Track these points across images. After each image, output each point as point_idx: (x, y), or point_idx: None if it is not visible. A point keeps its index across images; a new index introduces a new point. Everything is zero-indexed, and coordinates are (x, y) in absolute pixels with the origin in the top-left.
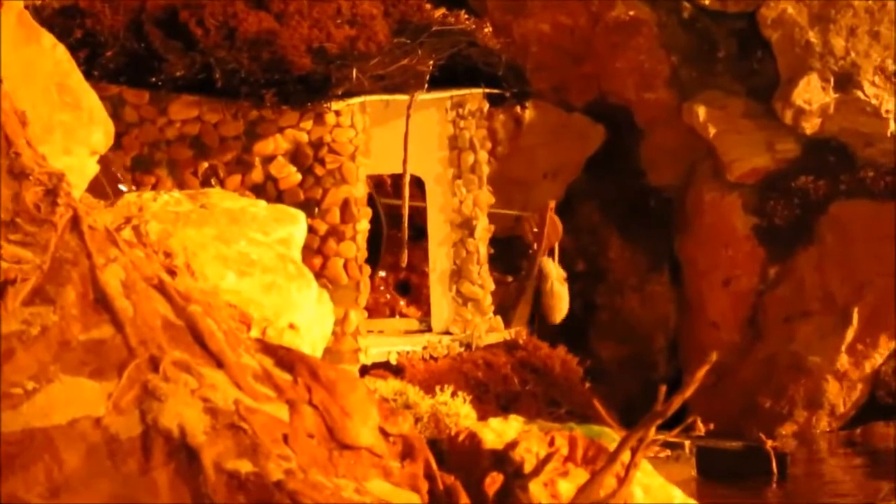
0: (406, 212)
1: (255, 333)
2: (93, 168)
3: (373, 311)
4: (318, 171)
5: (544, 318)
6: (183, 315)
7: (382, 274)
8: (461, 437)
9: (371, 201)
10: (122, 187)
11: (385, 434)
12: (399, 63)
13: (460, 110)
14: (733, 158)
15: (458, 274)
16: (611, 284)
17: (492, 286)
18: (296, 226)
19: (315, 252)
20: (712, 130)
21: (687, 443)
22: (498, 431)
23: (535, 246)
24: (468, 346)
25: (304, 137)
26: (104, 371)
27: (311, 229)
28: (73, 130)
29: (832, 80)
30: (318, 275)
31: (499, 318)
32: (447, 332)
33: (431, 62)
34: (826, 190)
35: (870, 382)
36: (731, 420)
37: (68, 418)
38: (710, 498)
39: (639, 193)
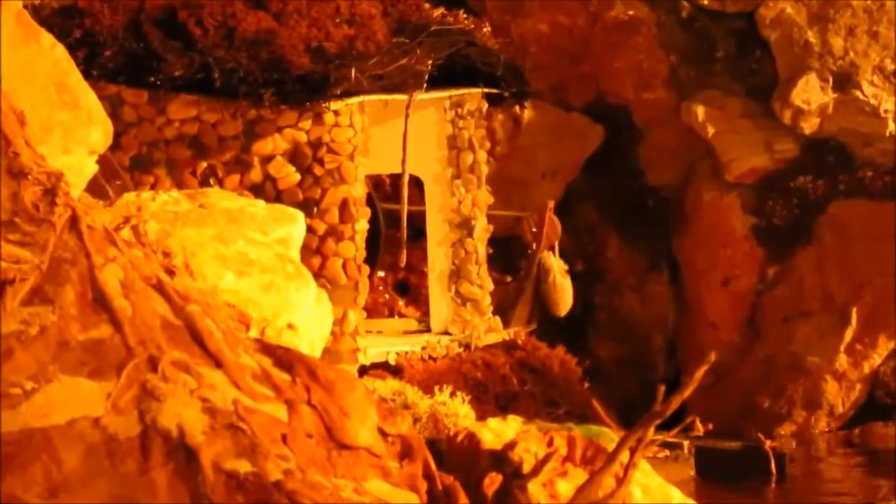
0: (405, 212)
1: (253, 333)
2: (91, 167)
3: (372, 311)
4: (317, 170)
5: (550, 313)
6: (182, 315)
7: (381, 274)
8: (460, 438)
9: (370, 201)
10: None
11: (384, 434)
12: (398, 63)
13: (459, 110)
14: (732, 158)
15: (456, 274)
16: (609, 284)
17: (491, 286)
18: (294, 226)
19: (314, 252)
20: (711, 130)
21: (686, 443)
22: (497, 431)
23: (534, 246)
24: (467, 347)
25: (303, 137)
26: (103, 371)
27: (309, 229)
28: (72, 130)
29: (831, 79)
30: (317, 275)
31: (497, 318)
32: (446, 333)
33: (430, 62)
34: (825, 190)
35: (868, 382)
36: (730, 420)
37: (67, 418)
38: (708, 498)
39: (637, 193)
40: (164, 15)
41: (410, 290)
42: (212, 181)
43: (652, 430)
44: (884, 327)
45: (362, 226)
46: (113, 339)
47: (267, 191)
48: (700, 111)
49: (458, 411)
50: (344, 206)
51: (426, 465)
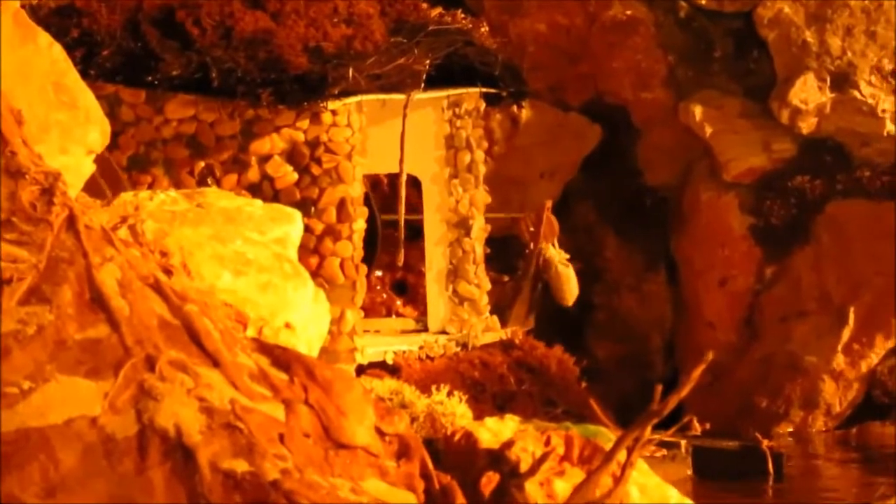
0: (402, 211)
1: (251, 333)
2: (89, 167)
3: (369, 310)
4: (315, 170)
5: (559, 304)
6: (179, 314)
7: (379, 273)
8: (457, 437)
9: (367, 201)
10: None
11: (381, 433)
12: (396, 62)
13: (457, 110)
14: (730, 158)
15: (454, 273)
16: (607, 284)
17: (488, 286)
18: (292, 225)
19: (311, 251)
20: (709, 130)
21: (683, 442)
22: (494, 431)
23: (532, 245)
24: (464, 346)
25: (301, 137)
26: (100, 370)
27: (307, 228)
28: (70, 129)
29: (828, 79)
30: (315, 274)
31: (495, 317)
32: (443, 332)
33: (428, 61)
34: (822, 189)
35: (866, 382)
36: (728, 420)
37: (64, 418)
38: (706, 497)
39: (635, 193)
40: (162, 14)
41: (408, 289)
42: (209, 181)
43: (649, 429)
44: (881, 327)
45: (360, 225)
46: (110, 338)
47: (264, 190)
48: (698, 111)
49: (455, 411)
50: (341, 205)
51: (423, 465)
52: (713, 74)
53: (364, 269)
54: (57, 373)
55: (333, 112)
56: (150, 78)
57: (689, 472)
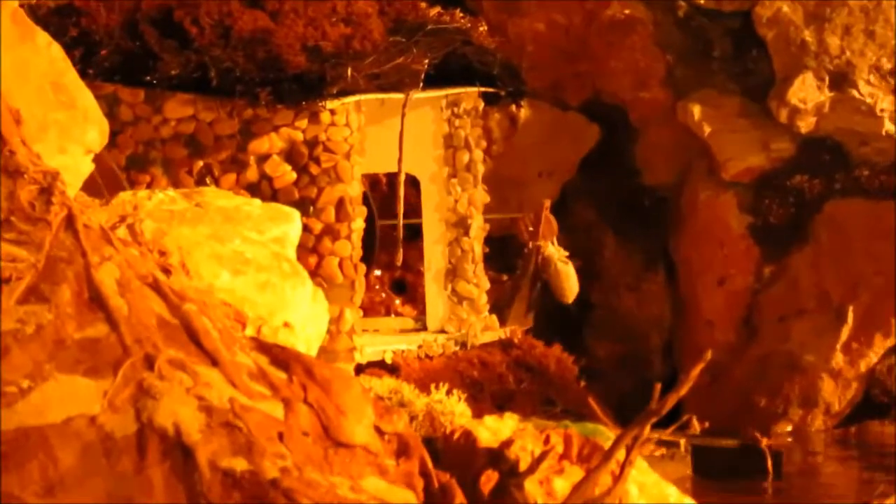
0: (401, 210)
1: (249, 332)
2: (88, 167)
3: (368, 309)
4: (313, 169)
5: (559, 302)
6: (178, 313)
7: (378, 273)
8: (456, 436)
9: (366, 200)
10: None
11: (380, 432)
12: (394, 62)
13: (455, 109)
14: (728, 157)
15: (453, 273)
16: (606, 283)
17: (487, 285)
18: (290, 224)
19: (310, 251)
20: (707, 129)
21: (682, 441)
22: (493, 430)
23: (530, 244)
24: (463, 345)
25: (299, 136)
26: (99, 369)
27: (305, 228)
28: (68, 129)
29: (827, 78)
30: (314, 273)
31: (494, 316)
32: (442, 331)
33: (426, 61)
34: (821, 189)
35: (865, 381)
36: (727, 418)
37: (63, 417)
38: (705, 496)
39: (634, 192)
40: (161, 14)
41: (407, 288)
42: (208, 180)
43: (648, 428)
44: (880, 326)
45: (358, 225)
46: (109, 337)
47: (263, 190)
48: (696, 110)
49: (454, 409)
50: (340, 204)
51: (423, 463)
52: (712, 74)
53: (363, 268)
54: (56, 372)
55: (332, 111)
56: (148, 77)
57: (689, 470)
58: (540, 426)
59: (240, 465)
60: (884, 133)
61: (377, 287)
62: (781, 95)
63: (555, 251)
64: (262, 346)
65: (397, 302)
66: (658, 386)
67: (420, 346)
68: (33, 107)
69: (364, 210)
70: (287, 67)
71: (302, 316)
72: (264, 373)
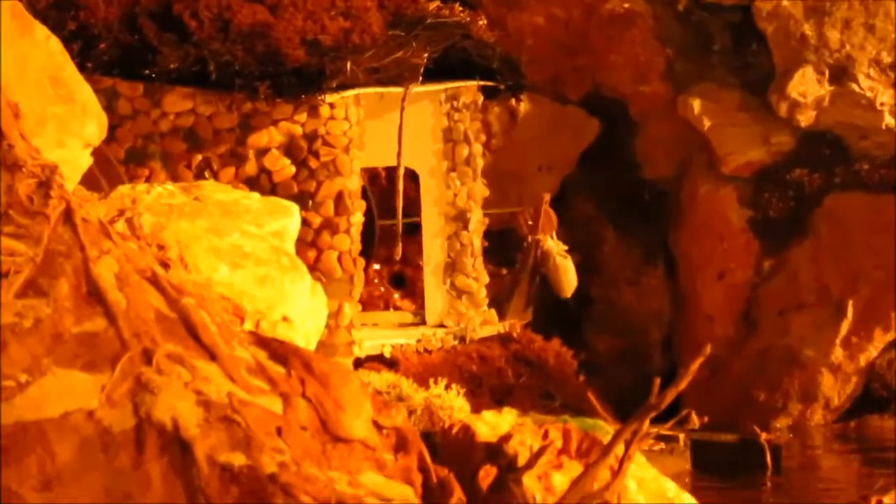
0: (399, 205)
1: (248, 326)
2: (86, 160)
3: (367, 303)
4: (312, 163)
5: (557, 296)
6: (176, 307)
7: (377, 267)
8: (455, 430)
9: (365, 194)
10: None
11: (378, 427)
12: (393, 55)
13: (455, 103)
14: (728, 151)
15: (452, 267)
16: (606, 277)
17: (486, 279)
18: (289, 218)
19: (309, 245)
20: (707, 123)
21: (681, 436)
22: (492, 424)
23: (530, 238)
24: (462, 339)
25: (298, 130)
26: (97, 364)
27: (304, 222)
28: (67, 123)
29: (827, 72)
30: (312, 267)
31: (493, 311)
32: (441, 325)
33: (426, 55)
34: (821, 182)
35: (864, 375)
36: (726, 413)
37: (61, 411)
38: (704, 490)
39: (633, 186)
40: (159, 7)
41: (406, 282)
42: (207, 174)
43: (647, 422)
44: (880, 320)
45: (357, 219)
46: (107, 331)
47: (262, 183)
48: (696, 104)
49: (453, 404)
50: (339, 198)
51: (421, 458)
52: (712, 68)
53: (362, 262)
54: (54, 366)
55: (331, 105)
56: (147, 71)
57: (688, 465)
58: (539, 421)
59: (238, 459)
60: (884, 127)
61: (376, 281)
62: (781, 89)
63: (554, 245)
64: (261, 341)
65: (396, 296)
66: (657, 380)
67: (419, 340)
68: (32, 101)
69: (363, 204)
70: (286, 61)
71: (301, 310)
72: (263, 367)
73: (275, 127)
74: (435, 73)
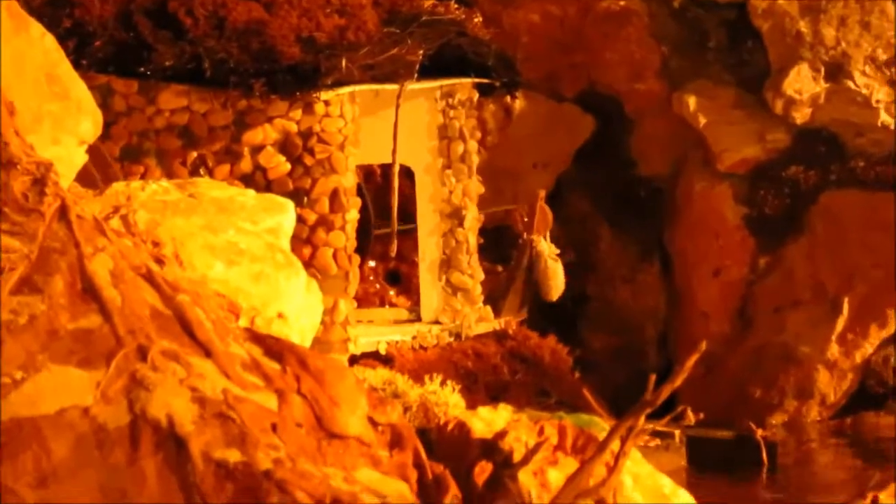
0: (395, 202)
1: (243, 323)
2: (81, 158)
3: (362, 300)
4: (308, 160)
5: (542, 299)
6: (171, 304)
7: (372, 264)
8: (450, 427)
9: (360, 191)
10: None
11: (374, 423)
12: (389, 53)
13: (450, 100)
14: (724, 148)
15: (447, 264)
16: (601, 275)
17: (481, 276)
18: (284, 215)
19: (304, 242)
20: (703, 120)
21: (677, 432)
22: (487, 420)
23: (525, 235)
24: (458, 336)
25: (294, 127)
26: (92, 360)
27: (300, 219)
28: (62, 120)
29: (823, 69)
30: (308, 264)
31: (488, 307)
32: (437, 322)
33: (421, 52)
34: (816, 180)
35: (860, 372)
36: (722, 410)
37: (56, 408)
38: (699, 487)
39: (629, 184)
40: (155, 5)
41: (401, 279)
42: (202, 171)
43: (643, 419)
44: (876, 317)
45: (353, 216)
46: (102, 328)
47: (257, 181)
48: (692, 101)
49: (448, 400)
50: (334, 195)
51: (416, 454)
52: (707, 65)
53: (357, 259)
54: (49, 363)
55: (326, 102)
56: (142, 68)
57: (683, 462)
58: (534, 417)
59: (233, 456)
60: (879, 124)
61: (371, 278)
62: (777, 86)
63: (546, 247)
64: (256, 337)
65: (391, 293)
66: (653, 377)
67: (414, 337)
68: (27, 98)
69: (358, 201)
70: (281, 58)
71: (296, 307)
72: (258, 364)
73: (270, 124)
74: (430, 71)
